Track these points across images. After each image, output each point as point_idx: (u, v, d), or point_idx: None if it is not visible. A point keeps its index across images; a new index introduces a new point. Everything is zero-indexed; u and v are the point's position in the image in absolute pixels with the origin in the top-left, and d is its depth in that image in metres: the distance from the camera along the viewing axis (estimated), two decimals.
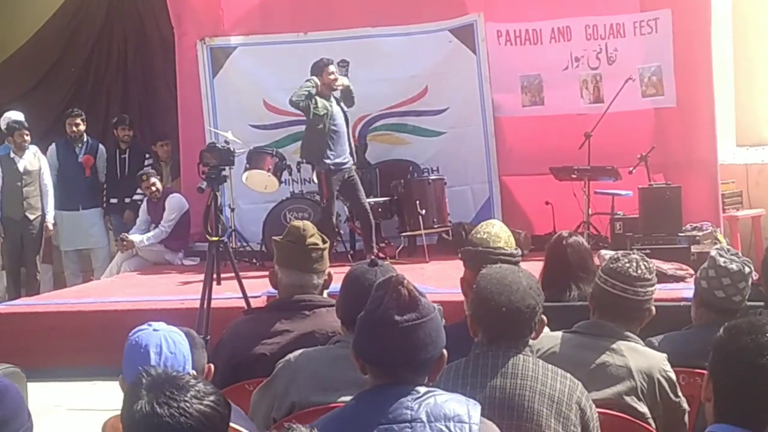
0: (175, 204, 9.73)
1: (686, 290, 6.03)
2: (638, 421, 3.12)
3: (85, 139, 10.32)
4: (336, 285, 3.53)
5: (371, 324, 2.37)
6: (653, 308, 3.41)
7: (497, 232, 3.71)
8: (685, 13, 9.28)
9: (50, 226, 9.85)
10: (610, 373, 3.21)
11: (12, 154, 9.71)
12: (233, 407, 2.20)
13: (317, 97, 8.47)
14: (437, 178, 9.54)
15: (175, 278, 8.89)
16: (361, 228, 8.99)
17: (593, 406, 2.87)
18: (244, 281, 6.29)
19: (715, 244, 7.74)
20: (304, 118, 8.75)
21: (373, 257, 4.22)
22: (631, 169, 8.81)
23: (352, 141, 8.87)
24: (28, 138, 9.74)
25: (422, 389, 2.34)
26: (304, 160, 9.02)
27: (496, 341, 2.86)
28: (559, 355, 3.23)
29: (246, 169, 9.22)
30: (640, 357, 3.26)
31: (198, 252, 9.67)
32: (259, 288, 6.67)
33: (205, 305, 6.08)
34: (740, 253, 3.74)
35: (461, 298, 3.68)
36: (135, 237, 9.73)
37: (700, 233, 8.45)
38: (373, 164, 9.97)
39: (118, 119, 10.73)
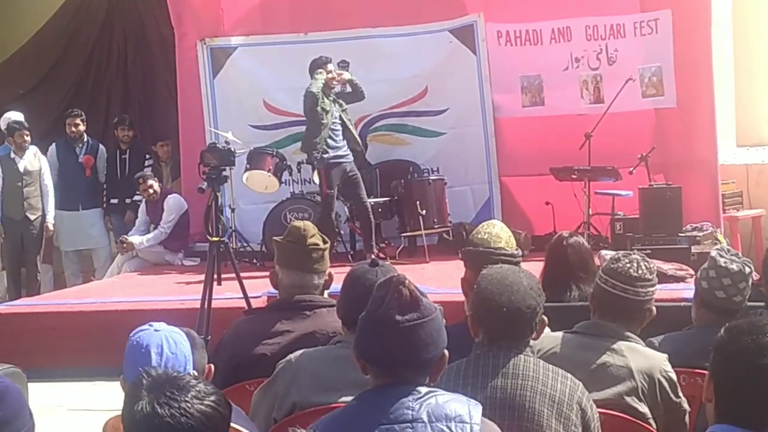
0: (173, 205, 9.73)
1: (686, 291, 6.02)
2: (639, 422, 3.13)
3: (85, 139, 10.32)
4: (336, 285, 3.53)
5: (373, 324, 2.37)
6: (654, 308, 3.41)
7: (498, 232, 3.72)
8: (685, 13, 9.28)
9: (51, 227, 9.85)
10: (611, 373, 3.21)
11: (12, 155, 9.71)
12: (234, 408, 2.20)
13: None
14: (437, 178, 9.54)
15: (175, 278, 8.89)
16: (361, 227, 9.00)
17: (594, 406, 2.87)
18: (244, 281, 6.29)
19: (716, 244, 7.74)
20: (304, 117, 8.77)
21: (373, 257, 4.22)
22: (631, 169, 8.81)
23: (356, 135, 8.89)
24: (28, 138, 9.74)
25: (423, 389, 2.34)
26: (305, 158, 9.00)
27: (497, 341, 2.87)
28: (560, 356, 3.23)
29: (246, 170, 9.23)
30: (641, 357, 3.26)
31: (198, 252, 9.67)
32: (260, 288, 6.68)
33: (206, 305, 6.08)
34: (740, 254, 3.75)
35: (462, 298, 3.68)
36: (135, 238, 9.73)
37: (701, 233, 8.45)
38: (373, 164, 9.97)
39: (119, 119, 10.74)
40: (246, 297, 6.18)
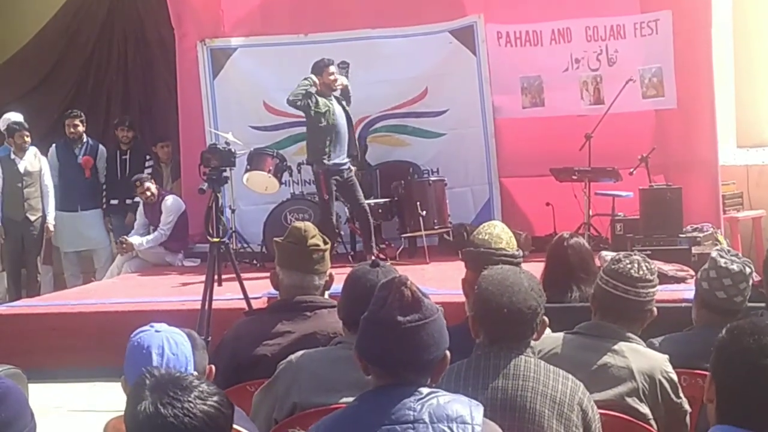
0: (171, 206, 9.73)
1: (687, 291, 6.02)
2: (640, 423, 3.13)
3: (84, 140, 10.32)
4: (337, 286, 3.53)
5: (374, 324, 2.37)
6: (655, 309, 3.41)
7: (499, 233, 3.72)
8: (685, 14, 9.28)
9: (51, 228, 9.85)
10: (612, 374, 3.21)
11: (12, 156, 9.71)
12: (234, 408, 2.20)
13: (317, 96, 8.49)
14: (437, 179, 9.55)
15: (175, 279, 8.89)
16: (361, 229, 9.00)
17: (595, 407, 2.87)
18: (245, 282, 6.29)
19: (716, 245, 7.74)
20: (305, 119, 8.76)
21: (374, 258, 4.22)
22: (631, 170, 8.81)
23: (355, 141, 8.88)
24: (28, 139, 9.74)
25: (425, 390, 2.34)
26: (305, 159, 8.99)
27: (498, 342, 2.87)
28: (561, 356, 3.24)
29: (247, 171, 9.22)
30: (642, 358, 3.26)
31: (198, 253, 9.67)
32: (260, 289, 6.68)
33: (206, 306, 6.07)
34: (741, 254, 3.75)
35: (462, 299, 3.68)
36: (134, 240, 9.73)
37: (701, 234, 8.45)
38: (373, 165, 9.97)
39: (119, 120, 10.74)
40: (246, 298, 6.18)
